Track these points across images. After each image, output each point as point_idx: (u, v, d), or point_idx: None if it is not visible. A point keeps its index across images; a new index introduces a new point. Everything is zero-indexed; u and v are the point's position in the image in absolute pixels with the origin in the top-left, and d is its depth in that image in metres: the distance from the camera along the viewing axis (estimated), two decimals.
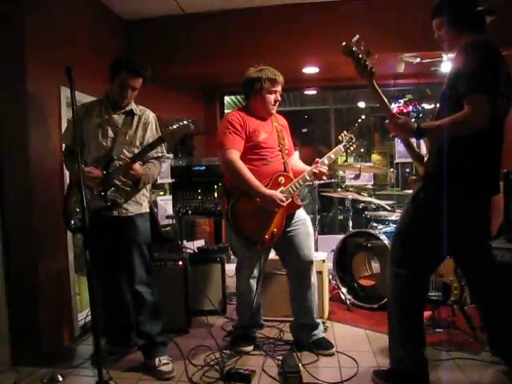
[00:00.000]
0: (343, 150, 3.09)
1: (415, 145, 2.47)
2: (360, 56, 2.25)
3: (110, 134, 2.74)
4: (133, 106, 2.83)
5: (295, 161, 3.14)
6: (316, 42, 4.38)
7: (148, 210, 2.90)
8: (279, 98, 2.95)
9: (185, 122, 2.64)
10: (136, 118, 2.81)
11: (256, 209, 2.77)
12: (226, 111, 6.22)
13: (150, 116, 2.88)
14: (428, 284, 2.58)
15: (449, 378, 2.55)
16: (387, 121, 2.29)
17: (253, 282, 2.99)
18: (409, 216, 2.41)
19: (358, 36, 2.26)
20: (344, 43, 2.26)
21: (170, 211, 4.21)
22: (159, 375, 2.64)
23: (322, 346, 2.94)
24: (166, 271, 3.36)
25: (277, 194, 2.76)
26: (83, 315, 3.43)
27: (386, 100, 2.31)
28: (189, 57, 4.57)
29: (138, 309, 2.77)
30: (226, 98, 6.39)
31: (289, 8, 4.37)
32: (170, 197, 4.25)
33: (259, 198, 2.74)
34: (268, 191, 2.74)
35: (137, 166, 2.64)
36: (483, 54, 2.13)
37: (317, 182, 3.21)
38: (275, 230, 2.81)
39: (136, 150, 2.75)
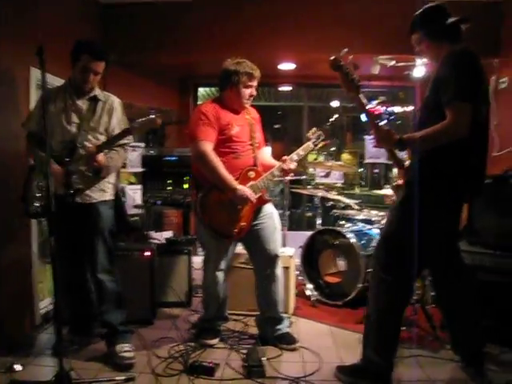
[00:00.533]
0: (312, 146, 3.13)
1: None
2: (347, 70, 2.27)
3: (75, 119, 2.70)
4: (97, 91, 2.78)
5: (265, 155, 3.14)
6: (293, 38, 4.38)
7: (112, 198, 2.85)
8: (254, 93, 2.94)
9: (152, 117, 2.58)
10: (100, 104, 2.76)
11: (225, 202, 2.77)
12: (199, 102, 6.16)
13: (116, 102, 2.84)
14: (410, 290, 2.59)
15: (409, 374, 2.59)
16: (372, 130, 2.34)
17: (220, 275, 2.98)
18: (394, 222, 2.44)
19: (345, 50, 2.29)
20: (332, 57, 2.28)
21: (139, 201, 4.15)
22: (119, 360, 2.61)
23: (286, 341, 2.96)
24: (133, 261, 3.31)
25: (248, 190, 2.76)
26: (45, 303, 3.35)
27: (370, 111, 2.34)
28: (164, 45, 4.49)
29: (101, 297, 2.73)
30: (200, 90, 6.34)
31: (267, 2, 4.35)
32: (140, 186, 4.18)
33: (230, 192, 2.73)
34: (240, 187, 2.74)
35: (100, 156, 2.60)
36: (465, 62, 2.20)
37: (287, 178, 3.21)
38: (243, 223, 2.82)
39: (100, 137, 2.72)
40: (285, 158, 2.97)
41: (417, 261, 2.37)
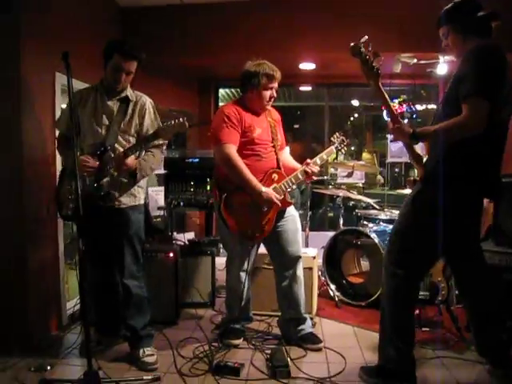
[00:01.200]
0: (335, 151, 3.14)
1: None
2: (367, 57, 2.27)
3: (105, 121, 2.67)
4: (128, 91, 2.75)
5: (286, 156, 3.14)
6: (314, 38, 4.38)
7: (142, 202, 2.84)
8: (275, 95, 2.93)
9: (181, 120, 2.53)
10: (131, 105, 2.73)
11: (249, 204, 2.77)
12: (220, 104, 6.20)
13: (147, 102, 2.79)
14: (419, 284, 2.61)
15: (435, 376, 2.57)
16: (388, 122, 2.35)
17: (243, 275, 2.99)
18: (407, 216, 2.42)
19: (366, 37, 2.27)
20: (353, 44, 2.27)
21: (162, 202, 4.19)
22: (142, 366, 2.63)
23: (310, 341, 2.96)
24: (157, 262, 3.35)
25: (273, 192, 2.77)
26: (71, 304, 3.40)
27: (389, 101, 2.34)
28: (185, 47, 4.54)
29: (126, 302, 2.74)
30: (221, 91, 6.37)
31: (288, 2, 4.36)
32: (162, 188, 4.23)
33: (256, 195, 2.74)
34: (265, 189, 2.75)
35: (129, 160, 2.59)
36: (488, 58, 2.15)
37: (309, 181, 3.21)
38: (266, 225, 2.83)
39: (131, 139, 2.71)
40: (308, 161, 2.95)
41: (428, 256, 2.38)
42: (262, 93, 2.86)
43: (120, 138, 2.68)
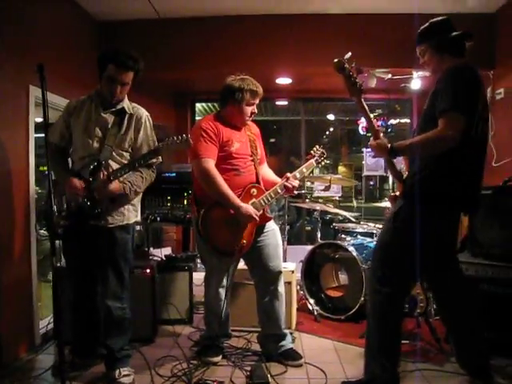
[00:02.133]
0: (315, 164, 3.12)
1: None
2: (351, 73, 2.30)
3: (98, 133, 2.55)
4: (125, 103, 2.64)
5: (266, 170, 3.13)
6: (290, 53, 4.44)
7: (132, 222, 2.70)
8: (255, 111, 2.92)
9: (184, 137, 2.44)
10: (127, 118, 2.61)
11: (227, 219, 2.75)
12: (196, 118, 6.18)
13: (144, 115, 2.68)
14: (404, 301, 2.62)
15: None
16: (371, 140, 2.38)
17: (222, 291, 2.95)
18: (390, 233, 2.44)
19: (350, 53, 2.32)
20: (336, 60, 2.30)
21: (138, 217, 4.11)
22: None
23: (290, 357, 2.93)
24: (133, 279, 3.23)
25: (251, 207, 2.75)
26: (45, 323, 3.30)
27: (371, 116, 2.37)
28: (161, 61, 4.50)
29: (106, 322, 2.64)
30: (198, 105, 6.36)
31: (265, 18, 4.41)
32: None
33: (234, 210, 2.72)
34: (243, 205, 2.72)
35: (113, 185, 2.47)
36: (463, 76, 2.21)
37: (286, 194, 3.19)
38: (245, 241, 2.80)
39: (125, 153, 2.61)
40: (288, 175, 2.94)
41: (412, 272, 2.39)
42: (244, 108, 2.84)
43: (114, 153, 2.57)
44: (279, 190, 2.89)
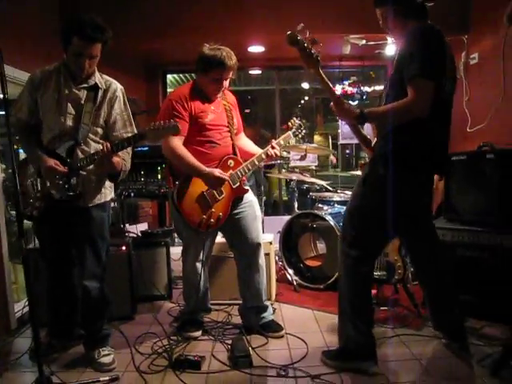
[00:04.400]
0: (292, 136, 3.03)
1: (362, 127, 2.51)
2: (305, 45, 2.24)
3: (71, 110, 2.39)
4: (97, 77, 2.47)
5: (245, 141, 3.06)
6: (262, 20, 4.33)
7: (108, 199, 2.61)
8: (226, 85, 2.81)
9: (172, 122, 2.29)
10: (101, 93, 2.45)
11: (202, 191, 2.70)
12: (168, 90, 6.03)
13: (118, 89, 2.53)
14: (374, 263, 2.63)
15: (394, 353, 2.62)
16: (332, 104, 2.31)
17: (199, 265, 2.91)
18: (359, 197, 2.43)
19: (302, 25, 2.25)
20: (289, 32, 2.23)
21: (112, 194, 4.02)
22: (99, 367, 2.50)
23: (272, 329, 2.94)
24: (109, 257, 3.17)
25: (217, 170, 2.68)
26: (21, 306, 3.22)
27: (331, 85, 2.33)
28: (129, 30, 4.32)
29: (84, 303, 2.57)
30: (169, 76, 6.20)
31: None
32: None
33: (200, 177, 2.67)
34: (208, 170, 2.66)
35: (116, 158, 2.36)
36: (430, 39, 2.16)
37: (262, 163, 3.12)
38: (221, 213, 2.75)
39: (99, 130, 2.47)
40: (273, 142, 2.88)
41: (380, 235, 2.41)
42: (211, 82, 2.74)
43: (90, 134, 2.44)
44: (256, 162, 2.83)
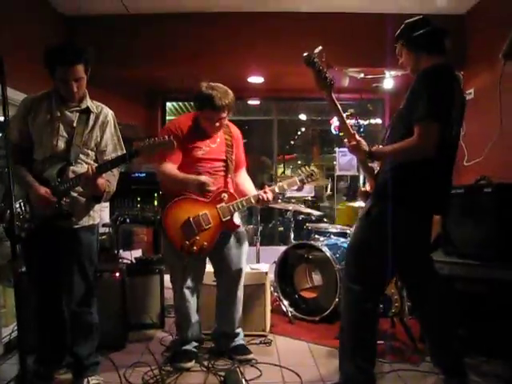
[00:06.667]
0: (298, 183, 2.92)
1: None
2: (321, 68, 2.25)
3: (63, 132, 2.42)
4: (88, 102, 2.50)
5: (243, 178, 3.05)
6: (262, 51, 4.39)
7: (97, 222, 2.60)
8: (221, 124, 2.80)
9: (166, 138, 2.31)
10: (92, 117, 2.49)
11: (189, 217, 2.70)
12: (167, 117, 6.08)
13: (109, 114, 2.57)
14: (379, 300, 2.57)
15: None
16: (346, 140, 2.36)
17: (187, 292, 2.86)
18: (362, 231, 2.41)
19: (320, 47, 2.27)
20: (306, 53, 2.26)
21: (107, 219, 3.99)
22: None
23: (240, 352, 2.94)
24: (102, 283, 3.14)
25: (203, 177, 2.68)
26: (9, 331, 3.13)
27: (342, 111, 2.34)
28: (131, 59, 4.42)
29: (72, 329, 2.52)
30: (168, 104, 6.25)
31: (236, 16, 4.35)
32: (107, 204, 4.02)
33: (189, 187, 2.68)
34: (194, 177, 2.67)
35: (101, 180, 2.36)
36: (441, 80, 2.18)
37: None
38: (205, 243, 2.72)
39: (90, 152, 2.48)
40: (267, 189, 2.85)
41: (384, 270, 2.35)
42: (206, 121, 2.77)
43: (81, 155, 2.45)
44: (252, 200, 2.81)
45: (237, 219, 2.90)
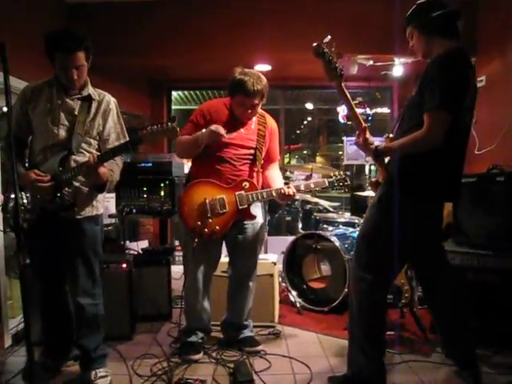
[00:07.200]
0: (327, 184, 2.82)
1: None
2: (331, 57, 2.21)
3: (64, 121, 2.37)
4: (90, 89, 2.46)
5: (272, 172, 2.97)
6: (269, 38, 4.33)
7: (100, 212, 2.56)
8: (253, 111, 2.73)
9: (169, 125, 2.21)
10: (94, 105, 2.44)
11: (205, 198, 2.68)
12: (173, 107, 6.04)
13: (112, 102, 2.52)
14: (389, 289, 2.54)
15: (403, 380, 2.52)
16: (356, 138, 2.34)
17: (200, 278, 2.80)
18: (373, 220, 2.36)
19: (329, 37, 2.23)
20: (315, 44, 2.23)
21: (113, 210, 3.97)
22: None
23: (248, 344, 2.92)
24: (109, 274, 3.11)
25: (213, 126, 2.62)
26: (15, 322, 3.12)
27: (351, 101, 2.30)
28: (135, 47, 4.36)
29: (78, 320, 2.49)
30: (174, 93, 6.20)
31: (242, 2, 4.27)
32: (113, 194, 4.00)
33: (201, 139, 2.63)
34: (203, 130, 2.64)
35: (103, 169, 2.31)
36: (455, 67, 2.11)
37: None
38: (217, 227, 2.68)
39: (93, 142, 2.44)
40: (290, 184, 2.77)
41: (396, 259, 2.32)
42: (237, 107, 2.72)
43: (83, 144, 2.41)
44: (274, 193, 2.74)
45: (257, 210, 2.85)
